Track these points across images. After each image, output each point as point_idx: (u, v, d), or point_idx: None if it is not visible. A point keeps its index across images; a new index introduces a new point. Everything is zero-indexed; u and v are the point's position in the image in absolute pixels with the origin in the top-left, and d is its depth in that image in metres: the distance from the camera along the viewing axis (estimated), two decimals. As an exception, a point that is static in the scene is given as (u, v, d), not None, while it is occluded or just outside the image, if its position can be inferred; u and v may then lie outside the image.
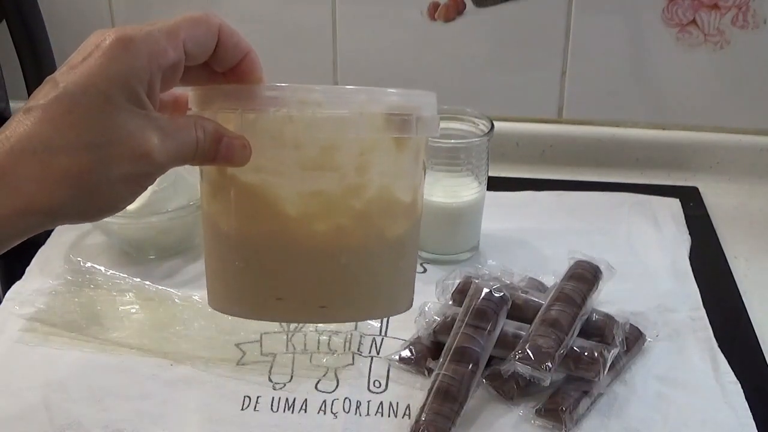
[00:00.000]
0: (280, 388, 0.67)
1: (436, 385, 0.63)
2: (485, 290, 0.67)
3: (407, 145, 0.47)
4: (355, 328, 0.73)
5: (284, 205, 0.46)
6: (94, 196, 0.42)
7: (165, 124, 0.44)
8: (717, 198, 0.98)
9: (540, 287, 0.75)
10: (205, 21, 0.45)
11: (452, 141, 0.79)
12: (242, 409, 0.65)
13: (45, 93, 0.42)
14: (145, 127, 0.43)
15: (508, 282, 0.72)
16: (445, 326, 0.68)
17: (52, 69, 0.94)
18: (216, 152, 0.45)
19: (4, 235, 0.42)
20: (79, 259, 0.82)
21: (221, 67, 0.47)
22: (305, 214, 0.46)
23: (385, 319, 0.74)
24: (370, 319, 0.69)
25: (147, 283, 0.79)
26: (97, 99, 0.41)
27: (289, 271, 0.47)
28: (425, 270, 0.82)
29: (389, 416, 0.65)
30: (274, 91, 0.46)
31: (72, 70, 0.42)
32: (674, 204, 0.95)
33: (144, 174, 0.44)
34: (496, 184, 0.86)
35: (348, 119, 0.45)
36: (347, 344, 0.71)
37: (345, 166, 0.46)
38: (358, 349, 0.71)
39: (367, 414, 0.65)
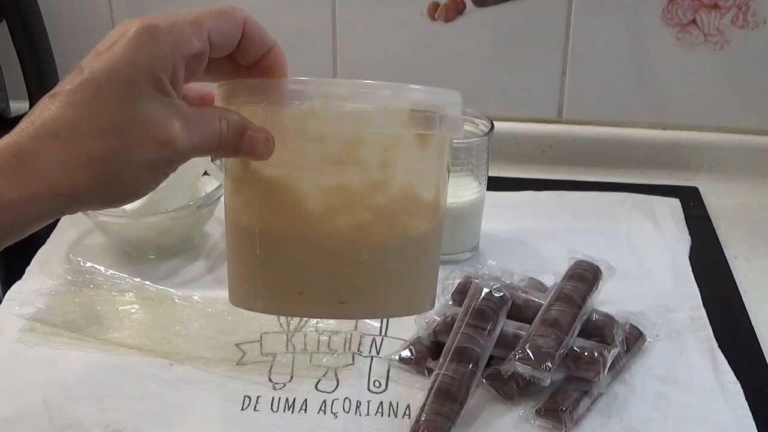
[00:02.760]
0: (280, 388, 0.67)
1: (436, 385, 0.63)
2: (485, 290, 0.67)
3: (431, 143, 0.47)
4: (355, 328, 0.73)
5: (307, 199, 0.45)
6: (117, 182, 0.43)
7: (189, 113, 0.44)
8: (717, 198, 0.98)
9: (540, 287, 0.75)
10: (231, 14, 0.46)
11: (452, 141, 0.79)
12: (242, 409, 0.65)
13: (70, 79, 0.42)
14: (169, 114, 0.43)
15: (508, 282, 0.72)
16: (445, 326, 0.68)
17: (53, 69, 0.94)
18: (239, 144, 0.45)
19: (26, 217, 0.42)
20: (79, 259, 0.82)
21: (246, 60, 0.48)
22: (328, 209, 0.45)
23: (385, 319, 0.74)
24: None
25: (147, 283, 0.79)
26: (121, 85, 0.42)
27: (310, 265, 0.47)
28: (425, 270, 0.82)
29: (389, 416, 0.65)
30: (298, 84, 0.46)
31: (98, 57, 0.42)
32: (674, 204, 0.95)
33: (166, 161, 0.44)
34: (496, 184, 0.86)
35: (372, 114, 0.45)
36: (347, 344, 0.71)
37: (368, 161, 0.45)
38: (358, 349, 0.71)
39: (367, 414, 0.65)
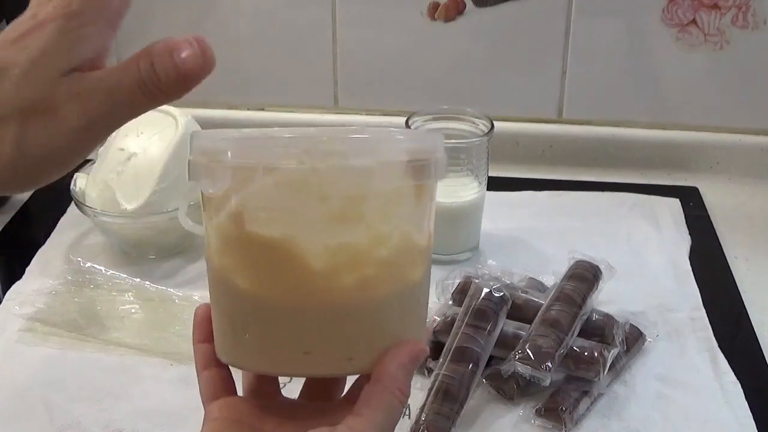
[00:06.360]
0: (281, 388, 0.67)
1: (436, 385, 0.63)
2: (485, 290, 0.67)
3: (425, 189, 0.47)
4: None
5: (309, 259, 0.44)
6: (39, 163, 0.41)
7: (103, 75, 0.41)
8: (717, 198, 0.98)
9: (540, 287, 0.75)
10: None
11: (452, 141, 0.79)
12: (242, 409, 0.65)
13: None
14: (82, 86, 0.40)
15: (508, 282, 0.72)
16: (445, 326, 0.68)
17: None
18: (166, 75, 0.40)
19: None
20: (79, 259, 0.82)
21: None
22: (331, 267, 0.44)
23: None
24: None
25: (147, 283, 0.79)
26: (33, 68, 0.39)
27: (317, 325, 0.45)
28: (425, 270, 0.82)
29: (389, 416, 0.65)
30: (297, 142, 0.44)
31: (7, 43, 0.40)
32: (674, 204, 0.95)
33: (93, 133, 0.41)
34: (496, 184, 0.86)
35: (374, 169, 0.44)
36: (347, 344, 0.71)
37: (370, 216, 0.45)
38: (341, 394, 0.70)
39: (367, 414, 0.65)
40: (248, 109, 1.06)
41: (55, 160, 0.42)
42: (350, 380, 0.50)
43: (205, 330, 0.49)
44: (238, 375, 0.50)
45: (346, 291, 0.45)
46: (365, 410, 0.44)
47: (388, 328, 0.47)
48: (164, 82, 0.41)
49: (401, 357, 0.45)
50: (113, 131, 0.43)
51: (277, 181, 0.44)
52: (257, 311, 0.45)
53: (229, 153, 0.44)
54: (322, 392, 0.52)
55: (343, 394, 0.51)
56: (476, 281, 0.69)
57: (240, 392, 0.50)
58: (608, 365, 0.65)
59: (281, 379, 0.53)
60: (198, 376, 0.49)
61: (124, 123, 0.42)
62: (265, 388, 0.50)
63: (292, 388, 0.53)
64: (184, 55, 0.40)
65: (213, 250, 0.47)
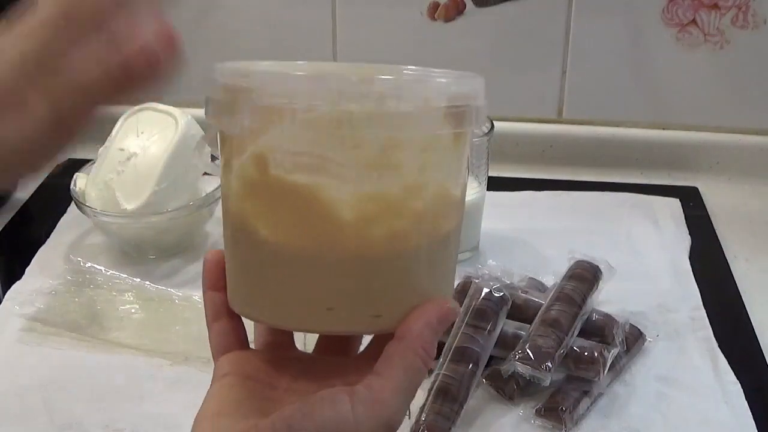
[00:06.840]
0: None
1: (436, 385, 0.63)
2: (485, 290, 0.67)
3: (462, 138, 0.44)
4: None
5: (339, 208, 0.41)
6: (11, 155, 0.39)
7: (75, 72, 0.39)
8: (717, 198, 0.98)
9: (540, 287, 0.75)
10: None
11: (452, 141, 0.79)
12: (242, 409, 0.65)
13: None
14: (53, 82, 0.39)
15: (508, 282, 0.72)
16: (445, 326, 0.68)
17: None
18: (139, 70, 0.39)
19: None
20: (79, 259, 0.82)
21: None
22: (362, 218, 0.41)
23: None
24: None
25: (147, 283, 0.79)
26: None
27: (343, 279, 0.42)
28: (425, 270, 0.82)
29: (389, 416, 0.65)
30: (329, 80, 0.41)
31: None
32: (674, 204, 0.95)
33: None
34: (496, 184, 0.86)
35: (413, 115, 0.41)
36: (347, 344, 0.71)
37: (406, 165, 0.41)
38: (358, 349, 0.71)
39: (367, 414, 0.65)
40: (248, 109, 1.07)
41: (27, 153, 0.40)
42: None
43: (215, 277, 0.46)
44: (249, 326, 0.47)
45: (375, 243, 0.42)
46: (386, 369, 0.41)
47: (417, 285, 0.44)
48: (137, 75, 0.39)
49: (429, 315, 0.42)
50: (84, 126, 0.41)
51: (306, 124, 0.40)
52: (278, 261, 0.42)
53: (254, 90, 0.41)
54: (338, 346, 0.49)
55: (361, 350, 0.49)
56: (476, 281, 0.69)
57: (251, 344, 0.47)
58: (608, 365, 0.65)
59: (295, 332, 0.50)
60: (208, 327, 0.47)
61: (94, 115, 0.40)
62: (279, 339, 0.48)
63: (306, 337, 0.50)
64: (153, 48, 0.39)
65: (231, 193, 0.44)
